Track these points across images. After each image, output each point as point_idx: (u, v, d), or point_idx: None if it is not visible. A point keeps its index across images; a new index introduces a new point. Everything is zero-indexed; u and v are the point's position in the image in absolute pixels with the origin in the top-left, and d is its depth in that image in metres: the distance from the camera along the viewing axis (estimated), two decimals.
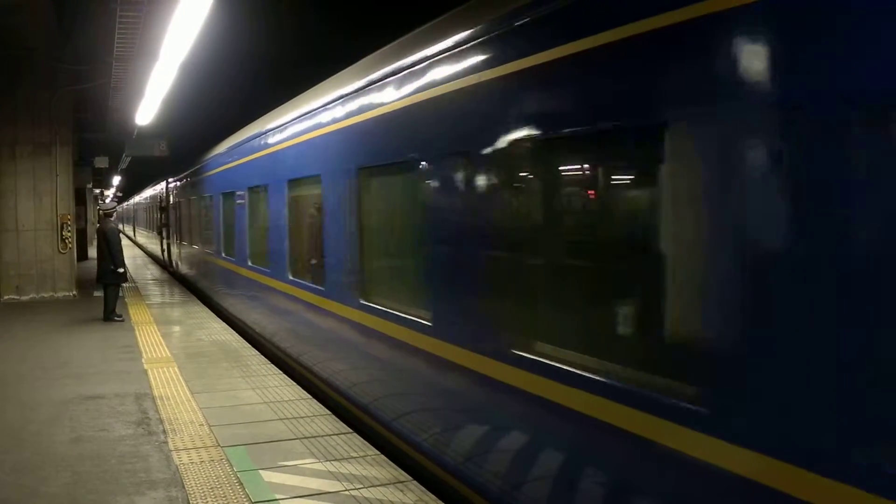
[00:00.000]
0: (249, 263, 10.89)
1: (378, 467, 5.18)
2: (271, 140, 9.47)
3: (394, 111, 5.59)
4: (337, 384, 7.08)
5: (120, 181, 48.22)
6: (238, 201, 11.58)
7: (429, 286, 5.10)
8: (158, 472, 5.15)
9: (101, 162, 23.29)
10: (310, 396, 7.20)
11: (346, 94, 6.64)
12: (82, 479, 5.06)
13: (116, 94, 15.56)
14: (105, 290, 12.20)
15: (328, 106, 7.16)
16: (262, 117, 10.68)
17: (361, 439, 5.83)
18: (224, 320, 12.44)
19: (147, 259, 30.11)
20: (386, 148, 5.82)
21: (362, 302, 6.27)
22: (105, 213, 13.16)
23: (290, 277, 8.56)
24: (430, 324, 4.99)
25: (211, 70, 17.39)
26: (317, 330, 7.70)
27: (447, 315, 4.83)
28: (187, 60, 10.61)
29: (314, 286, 7.67)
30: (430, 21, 5.62)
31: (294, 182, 8.53)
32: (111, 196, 57.77)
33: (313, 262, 7.98)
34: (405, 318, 5.45)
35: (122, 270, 12.17)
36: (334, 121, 6.94)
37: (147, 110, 15.69)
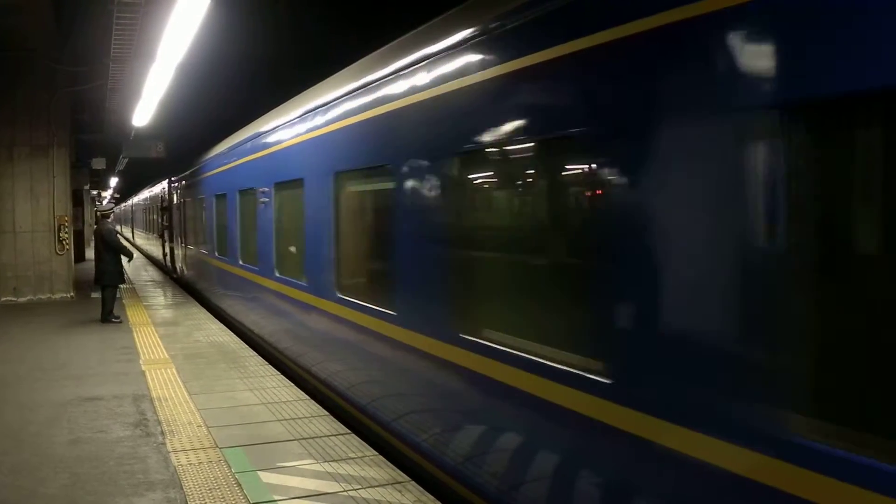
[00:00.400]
0: (277, 274, 9.06)
1: (376, 468, 5.18)
2: (309, 125, 7.65)
3: (534, 66, 3.81)
4: (445, 461, 4.87)
5: (117, 182, 48.19)
6: (261, 199, 9.64)
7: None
8: (157, 473, 5.15)
9: (99, 163, 23.27)
10: (307, 397, 7.20)
11: (438, 53, 4.81)
12: (81, 480, 5.06)
13: (114, 95, 15.58)
14: (103, 291, 12.22)
15: (404, 72, 5.30)
16: (291, 101, 8.95)
17: (359, 440, 5.83)
18: (243, 338, 10.70)
19: (145, 261, 29.97)
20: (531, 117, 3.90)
21: (474, 340, 4.40)
22: (102, 215, 13.23)
23: (339, 295, 6.72)
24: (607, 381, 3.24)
25: (208, 71, 17.39)
26: (391, 371, 5.70)
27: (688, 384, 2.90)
28: (184, 62, 10.62)
29: (381, 309, 5.78)
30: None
31: (345, 175, 6.73)
32: (108, 198, 57.68)
33: (377, 276, 6.33)
34: (579, 375, 3.48)
35: (131, 256, 13.26)
36: (413, 91, 5.14)
37: (144, 112, 15.69)
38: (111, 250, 12.18)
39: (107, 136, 22.15)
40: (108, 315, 12.08)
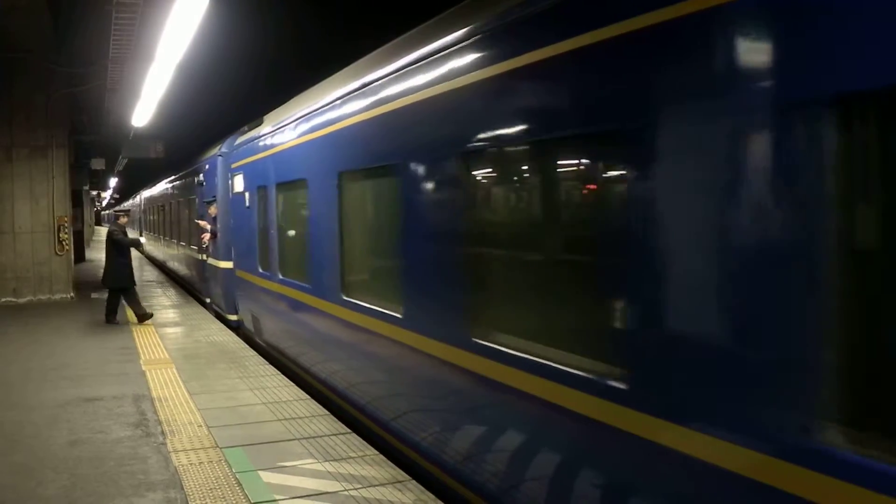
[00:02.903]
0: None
1: (377, 467, 5.18)
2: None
3: None
4: None
5: (117, 182, 48.21)
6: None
7: None
8: (157, 473, 5.14)
9: (98, 164, 23.29)
10: (308, 397, 7.19)
11: None
12: (80, 481, 5.05)
13: (112, 95, 15.58)
14: (109, 291, 12.13)
15: None
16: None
17: (360, 439, 5.83)
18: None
19: (143, 261, 29.56)
20: None
21: None
22: (116, 215, 13.00)
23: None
24: None
25: (207, 71, 17.39)
26: None
27: None
28: (183, 62, 10.61)
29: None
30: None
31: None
32: (107, 197, 57.74)
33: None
34: None
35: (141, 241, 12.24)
36: None
37: (143, 112, 15.69)
38: (118, 249, 12.03)
39: (106, 137, 22.17)
40: (111, 315, 12.01)
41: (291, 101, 8.99)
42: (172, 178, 20.61)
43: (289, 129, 8.27)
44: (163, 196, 23.62)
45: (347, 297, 6.43)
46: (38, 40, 13.51)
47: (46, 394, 7.47)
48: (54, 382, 7.97)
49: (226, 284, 12.05)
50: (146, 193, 32.12)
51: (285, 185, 8.59)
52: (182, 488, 4.82)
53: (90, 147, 23.11)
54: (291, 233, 8.62)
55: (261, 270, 9.67)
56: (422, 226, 5.04)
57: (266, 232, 9.43)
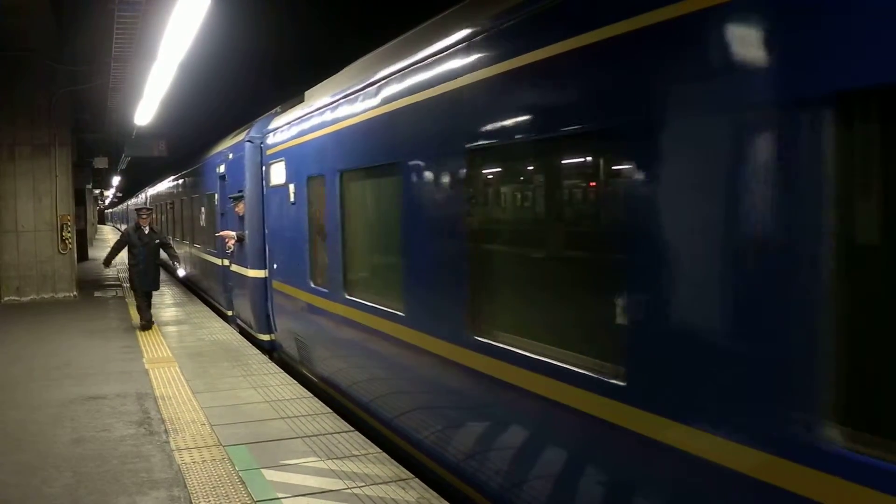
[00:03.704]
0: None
1: (380, 465, 5.18)
2: None
3: None
4: None
5: (119, 181, 48.27)
6: None
7: None
8: (160, 471, 5.15)
9: (101, 162, 23.32)
10: (311, 395, 7.20)
11: None
12: (84, 479, 5.06)
13: (115, 94, 15.58)
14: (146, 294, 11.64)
15: None
16: None
17: (363, 437, 5.83)
18: None
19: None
20: None
21: None
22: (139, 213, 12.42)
23: None
24: None
25: (210, 70, 17.37)
26: None
27: None
28: (186, 60, 10.60)
29: None
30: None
31: None
32: (110, 196, 57.57)
33: None
34: None
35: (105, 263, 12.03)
36: None
37: (146, 110, 15.69)
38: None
39: (108, 135, 22.18)
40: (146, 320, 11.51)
41: (357, 62, 6.80)
42: (183, 172, 18.54)
43: (364, 95, 5.94)
44: (170, 193, 21.26)
45: (483, 337, 4.31)
46: (40, 39, 13.52)
47: (50, 392, 7.49)
48: (58, 381, 7.98)
49: (256, 298, 9.84)
50: (151, 191, 29.86)
51: (358, 173, 6.38)
52: (185, 486, 4.83)
53: (93, 145, 23.13)
54: (368, 238, 6.54)
55: (313, 285, 7.54)
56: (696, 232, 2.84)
57: (322, 235, 7.21)
